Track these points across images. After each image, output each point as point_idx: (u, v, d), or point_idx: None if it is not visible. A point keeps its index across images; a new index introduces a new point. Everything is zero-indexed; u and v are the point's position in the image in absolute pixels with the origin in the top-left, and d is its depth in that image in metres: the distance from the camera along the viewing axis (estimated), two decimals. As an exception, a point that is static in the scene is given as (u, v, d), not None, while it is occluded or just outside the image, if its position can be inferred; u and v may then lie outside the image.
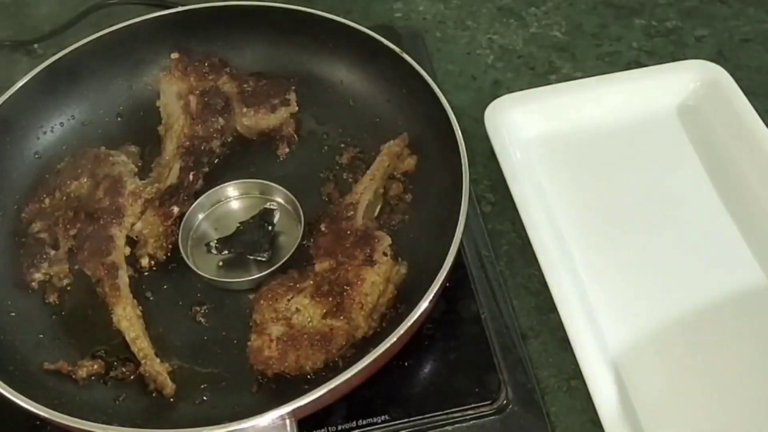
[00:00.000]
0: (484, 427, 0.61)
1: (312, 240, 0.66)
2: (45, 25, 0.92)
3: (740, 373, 0.62)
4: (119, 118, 0.76)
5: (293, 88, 0.75)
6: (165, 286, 0.66)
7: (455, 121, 0.66)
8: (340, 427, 0.60)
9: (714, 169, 0.74)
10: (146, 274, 0.66)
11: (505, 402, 0.62)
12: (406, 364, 0.62)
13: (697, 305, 0.66)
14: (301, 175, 0.72)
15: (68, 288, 0.66)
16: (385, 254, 0.62)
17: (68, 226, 0.66)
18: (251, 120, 0.73)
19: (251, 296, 0.63)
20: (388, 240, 0.63)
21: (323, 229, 0.65)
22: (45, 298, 0.65)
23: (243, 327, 0.62)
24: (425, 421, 0.61)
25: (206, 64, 0.74)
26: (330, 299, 0.60)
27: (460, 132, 0.65)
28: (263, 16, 0.76)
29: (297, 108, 0.74)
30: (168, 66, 0.76)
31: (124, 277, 0.64)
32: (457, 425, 0.61)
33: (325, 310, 0.60)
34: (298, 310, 0.60)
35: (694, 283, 0.67)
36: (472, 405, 0.61)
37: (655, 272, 0.68)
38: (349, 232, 0.64)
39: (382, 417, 0.61)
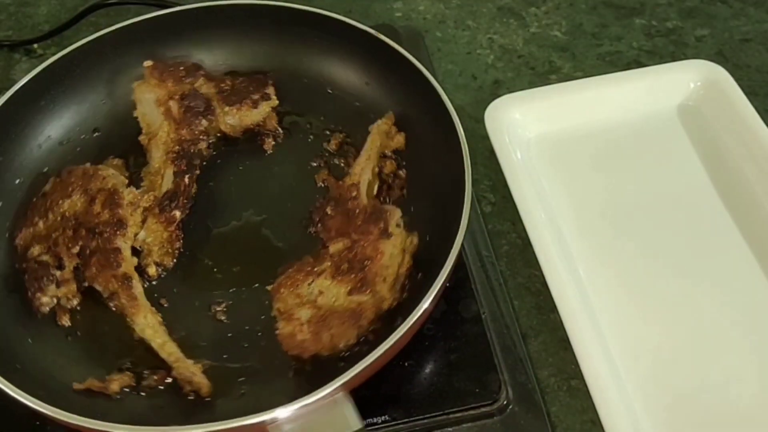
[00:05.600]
0: (484, 428, 0.61)
1: (319, 226, 0.66)
2: (45, 24, 0.92)
3: (741, 374, 0.62)
4: (96, 134, 0.74)
5: (271, 82, 0.75)
6: (177, 291, 0.65)
7: (458, 120, 0.65)
8: (340, 427, 0.60)
9: (714, 169, 0.74)
10: (155, 282, 0.66)
11: (505, 402, 0.62)
12: (406, 364, 0.62)
13: (697, 305, 0.66)
14: (293, 167, 0.72)
15: (78, 308, 0.64)
16: (398, 225, 0.63)
17: (69, 245, 0.64)
18: (234, 118, 0.73)
19: (268, 287, 0.63)
20: (398, 212, 0.64)
21: (329, 212, 0.66)
22: (57, 320, 0.63)
23: (264, 318, 0.62)
24: (425, 421, 0.61)
25: (181, 68, 0.74)
26: (352, 276, 0.60)
27: (462, 131, 0.64)
28: (226, 14, 0.76)
29: (278, 101, 0.74)
30: (141, 75, 0.74)
31: (138, 286, 0.63)
32: (457, 425, 0.61)
33: (349, 287, 0.60)
34: (321, 292, 0.60)
35: (693, 283, 0.67)
36: (473, 405, 0.61)
37: (655, 272, 0.68)
38: (357, 211, 0.65)
39: (382, 417, 0.61)
